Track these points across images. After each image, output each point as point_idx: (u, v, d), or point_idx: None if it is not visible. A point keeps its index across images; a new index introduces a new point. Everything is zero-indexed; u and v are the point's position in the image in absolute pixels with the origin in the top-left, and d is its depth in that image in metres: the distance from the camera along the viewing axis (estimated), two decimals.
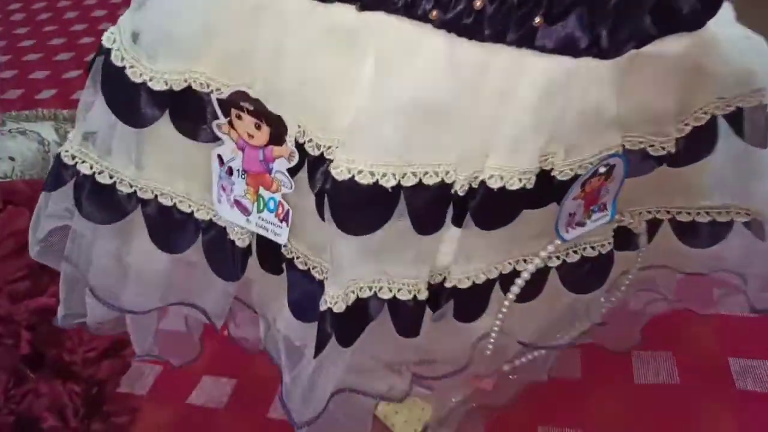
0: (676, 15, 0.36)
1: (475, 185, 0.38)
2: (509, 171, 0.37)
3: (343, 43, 0.38)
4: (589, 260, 0.46)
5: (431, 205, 0.38)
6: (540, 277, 0.46)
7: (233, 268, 0.47)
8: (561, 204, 0.41)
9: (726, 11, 0.39)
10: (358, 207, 0.38)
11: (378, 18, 0.36)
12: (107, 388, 0.74)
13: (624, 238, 0.47)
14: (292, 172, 0.42)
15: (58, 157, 0.47)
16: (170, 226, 0.47)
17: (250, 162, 0.43)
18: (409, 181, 0.37)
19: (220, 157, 0.44)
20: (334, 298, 0.41)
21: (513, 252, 0.44)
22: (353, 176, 0.37)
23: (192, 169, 0.45)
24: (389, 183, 0.37)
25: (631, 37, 0.36)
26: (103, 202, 0.46)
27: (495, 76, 0.36)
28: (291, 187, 0.42)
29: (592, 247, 0.46)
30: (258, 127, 0.42)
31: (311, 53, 0.39)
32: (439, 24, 0.35)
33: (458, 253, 0.42)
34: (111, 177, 0.45)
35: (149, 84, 0.41)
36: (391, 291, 0.42)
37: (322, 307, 0.42)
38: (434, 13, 0.35)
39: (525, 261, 0.45)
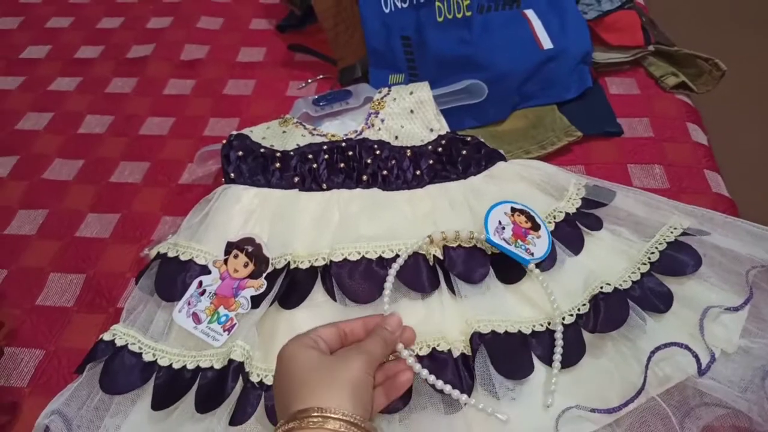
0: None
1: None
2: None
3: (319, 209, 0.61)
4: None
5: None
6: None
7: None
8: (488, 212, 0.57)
9: None
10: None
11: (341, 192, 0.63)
12: None
13: None
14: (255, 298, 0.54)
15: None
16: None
17: (225, 289, 0.57)
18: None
19: (201, 282, 0.59)
20: None
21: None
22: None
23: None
24: None
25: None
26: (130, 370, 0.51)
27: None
28: (247, 309, 0.58)
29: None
30: (246, 266, 0.60)
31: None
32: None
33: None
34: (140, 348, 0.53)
35: (195, 260, 0.57)
36: None
37: None
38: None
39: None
